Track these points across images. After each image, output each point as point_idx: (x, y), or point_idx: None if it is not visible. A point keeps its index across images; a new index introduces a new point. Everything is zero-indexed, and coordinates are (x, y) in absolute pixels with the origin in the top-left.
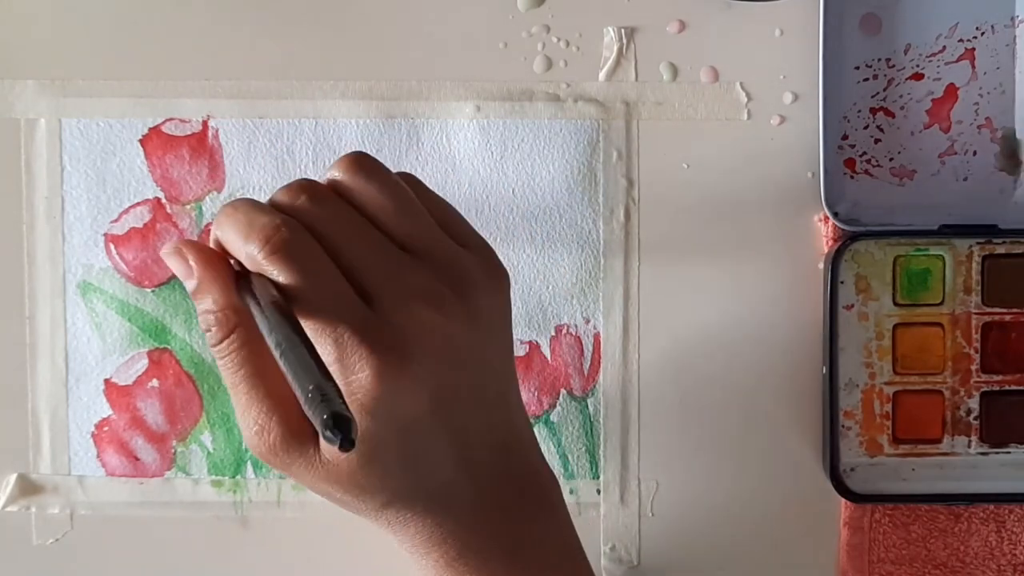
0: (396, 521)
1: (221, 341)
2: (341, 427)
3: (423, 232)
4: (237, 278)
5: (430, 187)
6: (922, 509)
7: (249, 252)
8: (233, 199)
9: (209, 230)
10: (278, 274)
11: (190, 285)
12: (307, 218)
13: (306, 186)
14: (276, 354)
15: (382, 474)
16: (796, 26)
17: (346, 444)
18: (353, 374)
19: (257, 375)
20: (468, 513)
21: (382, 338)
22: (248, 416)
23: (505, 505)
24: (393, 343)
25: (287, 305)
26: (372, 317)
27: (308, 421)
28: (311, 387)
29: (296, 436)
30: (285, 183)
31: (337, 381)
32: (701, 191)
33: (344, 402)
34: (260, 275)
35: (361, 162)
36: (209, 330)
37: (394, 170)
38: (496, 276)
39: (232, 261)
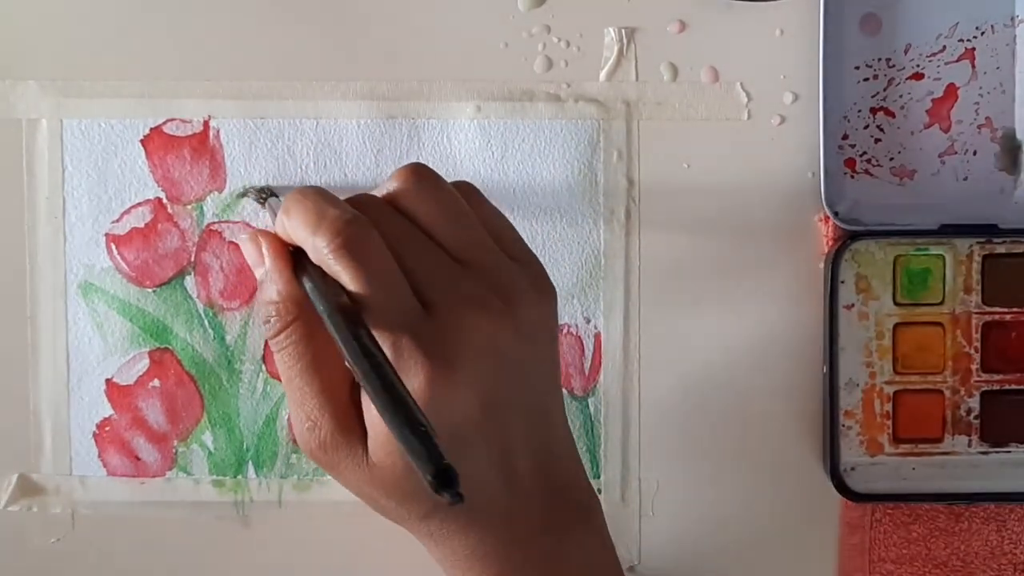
0: (438, 533)
1: (279, 333)
2: (450, 481)
3: (475, 243)
4: (295, 265)
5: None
6: (923, 509)
7: (317, 244)
8: (303, 187)
9: (210, 230)
10: (343, 270)
11: (259, 273)
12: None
13: (364, 198)
14: (357, 373)
15: None
16: (796, 26)
17: (456, 498)
18: (406, 379)
19: (313, 369)
20: (509, 528)
21: (436, 345)
22: (301, 411)
23: (546, 521)
24: (446, 350)
25: (354, 308)
26: (428, 323)
27: (359, 420)
28: (416, 427)
29: (346, 434)
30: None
31: None
32: (701, 191)
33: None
34: (324, 273)
35: (417, 173)
36: (268, 321)
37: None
38: (544, 291)
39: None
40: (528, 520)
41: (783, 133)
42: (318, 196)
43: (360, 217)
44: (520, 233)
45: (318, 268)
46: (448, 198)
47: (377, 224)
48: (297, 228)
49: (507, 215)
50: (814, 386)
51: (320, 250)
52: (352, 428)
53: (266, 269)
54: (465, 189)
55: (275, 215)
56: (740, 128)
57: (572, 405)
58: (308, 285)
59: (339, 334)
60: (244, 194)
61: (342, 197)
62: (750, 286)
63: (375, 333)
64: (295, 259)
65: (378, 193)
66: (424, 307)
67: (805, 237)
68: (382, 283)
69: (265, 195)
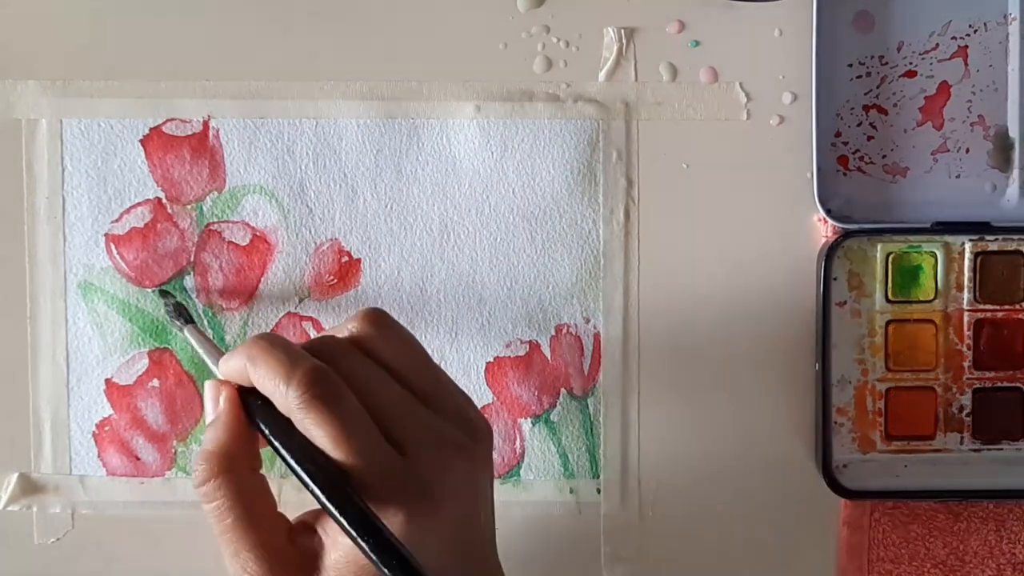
0: None
1: (203, 483)
2: None
3: (438, 384)
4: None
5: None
6: (921, 508)
7: (289, 396)
8: (262, 334)
9: (210, 230)
10: (315, 422)
11: (208, 417)
12: (338, 367)
13: (330, 340)
14: (346, 532)
15: None
16: (795, 26)
17: None
18: (385, 518)
19: (244, 523)
20: None
21: (413, 486)
22: (236, 562)
23: None
24: (424, 490)
25: (328, 463)
26: (403, 465)
27: (302, 559)
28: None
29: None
30: (313, 337)
31: None
32: (701, 191)
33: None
34: (287, 423)
35: (380, 317)
36: (196, 469)
37: (394, 172)
38: (487, 428)
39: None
40: None
41: (782, 133)
42: (285, 347)
43: (327, 369)
44: (520, 232)
45: (280, 419)
46: (409, 341)
47: (346, 368)
48: (265, 380)
49: (506, 215)
50: (808, 383)
51: (291, 402)
52: (293, 570)
53: (217, 416)
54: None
55: (196, 344)
56: (739, 128)
57: (572, 405)
58: (271, 436)
59: (323, 494)
60: (163, 296)
61: (340, 200)
62: (748, 286)
63: (350, 472)
64: (247, 407)
65: (340, 334)
66: (397, 449)
67: (803, 237)
68: (355, 432)
69: (181, 317)
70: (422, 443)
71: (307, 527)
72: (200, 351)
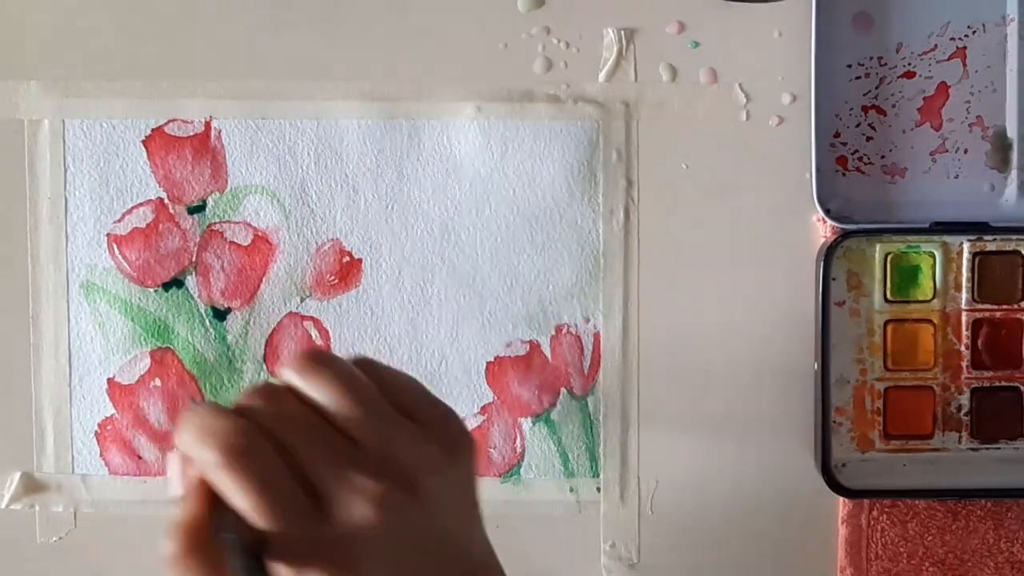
0: None
1: (175, 559)
2: None
3: (375, 423)
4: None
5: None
6: (920, 506)
7: (206, 459)
8: (196, 403)
9: (212, 230)
10: (233, 482)
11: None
12: (262, 421)
13: (261, 389)
14: None
15: None
16: (794, 27)
17: None
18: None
19: None
20: None
21: (335, 549)
22: None
23: None
24: (346, 553)
25: (252, 534)
26: (324, 526)
27: None
28: None
29: None
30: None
31: None
32: (700, 191)
33: None
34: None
35: (309, 357)
36: (169, 541)
37: (395, 172)
38: (456, 447)
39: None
40: None
41: (782, 133)
42: (206, 411)
43: (246, 425)
44: (520, 232)
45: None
46: (346, 378)
47: (273, 414)
48: (190, 447)
49: (507, 215)
50: (807, 383)
51: (211, 464)
52: None
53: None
54: (361, 362)
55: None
56: (739, 128)
57: (572, 404)
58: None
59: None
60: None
61: (341, 200)
62: (748, 286)
63: (269, 530)
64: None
65: (280, 379)
66: (321, 504)
67: (803, 237)
68: (271, 487)
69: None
70: (343, 500)
71: None
72: None
